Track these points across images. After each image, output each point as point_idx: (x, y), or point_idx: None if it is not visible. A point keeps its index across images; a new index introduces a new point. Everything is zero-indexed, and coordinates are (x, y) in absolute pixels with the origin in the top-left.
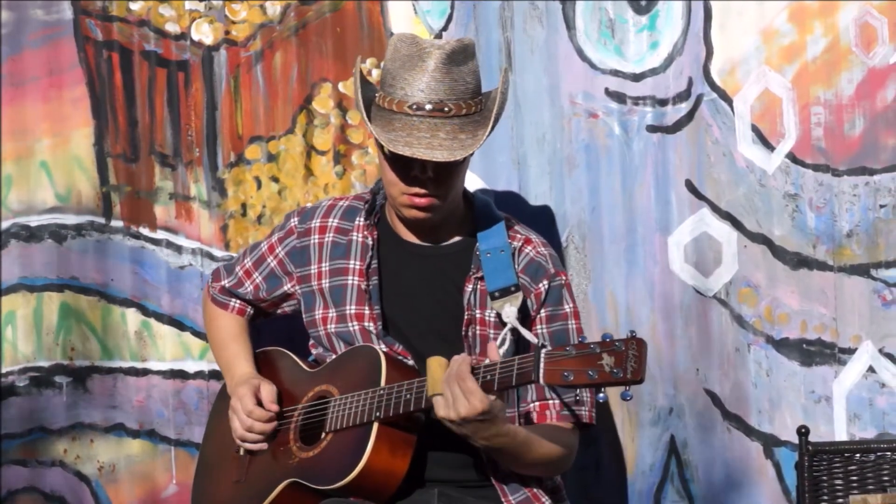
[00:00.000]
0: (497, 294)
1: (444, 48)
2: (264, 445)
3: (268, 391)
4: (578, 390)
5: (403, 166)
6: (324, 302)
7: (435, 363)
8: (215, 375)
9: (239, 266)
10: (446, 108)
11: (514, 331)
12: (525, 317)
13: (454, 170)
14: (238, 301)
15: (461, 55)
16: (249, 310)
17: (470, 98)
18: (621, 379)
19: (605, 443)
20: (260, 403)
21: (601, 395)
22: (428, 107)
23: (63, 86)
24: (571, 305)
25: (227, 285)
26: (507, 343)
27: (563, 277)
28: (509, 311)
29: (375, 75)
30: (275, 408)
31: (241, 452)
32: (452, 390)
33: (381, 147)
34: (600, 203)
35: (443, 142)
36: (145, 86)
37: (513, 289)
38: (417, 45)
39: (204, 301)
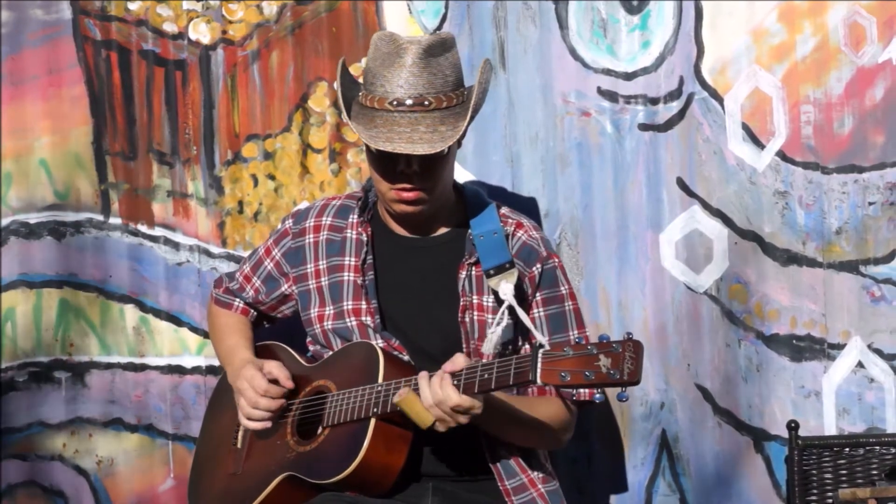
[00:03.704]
0: (492, 272)
1: (421, 43)
2: (268, 424)
3: (278, 367)
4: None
5: (389, 162)
6: (321, 300)
7: (407, 402)
8: (212, 371)
9: (239, 272)
10: (426, 102)
11: (511, 309)
12: (522, 300)
13: (439, 162)
14: (242, 302)
15: (439, 48)
16: (252, 312)
17: (450, 91)
18: (618, 380)
19: (597, 437)
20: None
21: (598, 395)
22: (408, 102)
23: (62, 84)
24: (567, 287)
25: (231, 287)
26: (505, 321)
27: (556, 259)
28: (506, 288)
29: None
30: (290, 384)
31: (239, 444)
32: (445, 417)
33: (367, 145)
34: (592, 201)
35: (423, 135)
36: (143, 85)
37: (507, 266)
38: (395, 42)
39: (208, 308)
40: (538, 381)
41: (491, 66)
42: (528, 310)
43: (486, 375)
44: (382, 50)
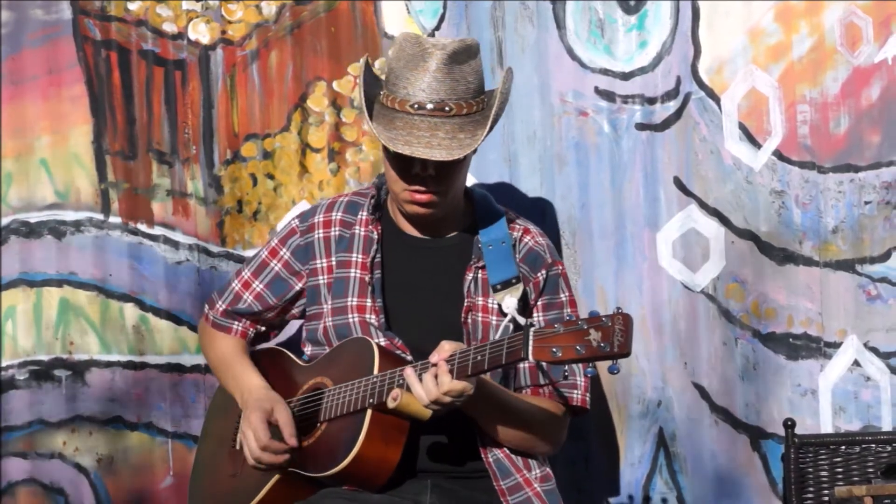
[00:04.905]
0: (499, 286)
1: (446, 48)
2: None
3: (285, 416)
4: (567, 371)
5: (405, 164)
6: (328, 295)
7: (403, 404)
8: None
9: (235, 281)
10: (447, 108)
11: (514, 321)
12: (524, 306)
13: (454, 168)
14: (240, 324)
15: (463, 55)
16: (251, 332)
17: (471, 98)
18: (608, 353)
19: (594, 436)
20: (277, 432)
21: (590, 369)
22: (429, 106)
23: (62, 84)
24: (567, 294)
25: (226, 308)
26: (509, 333)
27: (560, 267)
28: (510, 303)
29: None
30: (293, 442)
31: (238, 445)
32: (443, 402)
33: (383, 144)
34: (590, 200)
35: (441, 141)
36: (143, 84)
37: (514, 280)
38: (420, 45)
39: (201, 330)
40: (530, 357)
41: (512, 75)
42: (530, 314)
43: (478, 357)
44: (407, 51)
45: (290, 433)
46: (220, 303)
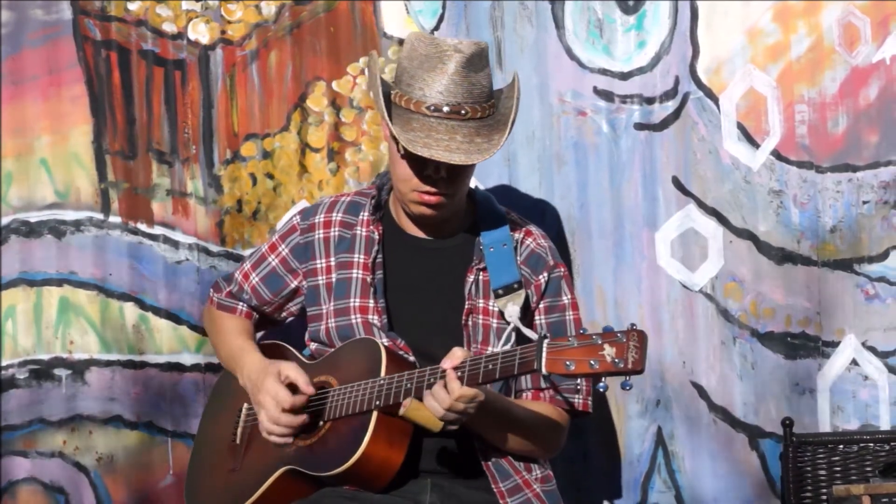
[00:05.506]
0: (501, 292)
1: (464, 52)
2: (289, 439)
3: (296, 371)
4: (578, 380)
5: (417, 165)
6: (328, 296)
7: (412, 411)
8: (211, 368)
9: (237, 272)
10: (463, 112)
11: (517, 330)
12: (526, 308)
13: (465, 171)
14: (245, 305)
15: (478, 60)
16: (255, 315)
17: (484, 101)
18: (622, 369)
19: (593, 434)
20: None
21: (602, 384)
22: (445, 109)
23: (62, 84)
24: (570, 297)
25: (232, 290)
26: (511, 342)
27: (562, 269)
28: (512, 311)
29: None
30: (311, 390)
31: (238, 440)
32: (456, 409)
33: (395, 143)
34: (588, 199)
35: (460, 145)
36: (143, 84)
37: (516, 286)
38: (437, 46)
39: (205, 313)
40: (543, 370)
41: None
42: (531, 317)
43: (490, 366)
44: (420, 51)
45: (304, 382)
46: (224, 288)
